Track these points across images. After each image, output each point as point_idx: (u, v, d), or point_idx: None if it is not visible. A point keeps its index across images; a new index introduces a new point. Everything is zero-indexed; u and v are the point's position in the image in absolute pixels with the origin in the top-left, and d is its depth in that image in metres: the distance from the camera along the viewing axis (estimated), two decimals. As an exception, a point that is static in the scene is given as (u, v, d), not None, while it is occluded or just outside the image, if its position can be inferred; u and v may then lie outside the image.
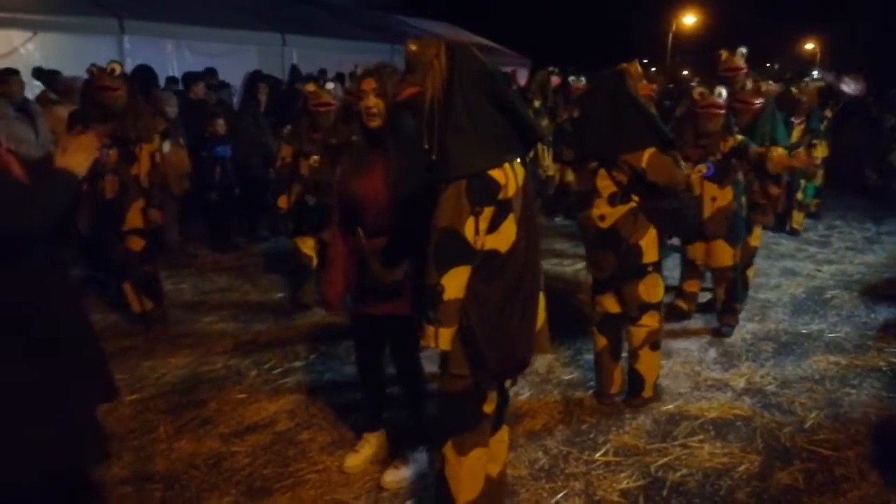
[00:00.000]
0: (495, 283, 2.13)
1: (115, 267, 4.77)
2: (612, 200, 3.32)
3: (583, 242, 3.60)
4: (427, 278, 2.11)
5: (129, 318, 4.77)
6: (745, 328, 4.76)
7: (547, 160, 8.06)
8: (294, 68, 9.87)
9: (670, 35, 26.40)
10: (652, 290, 3.46)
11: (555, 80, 8.62)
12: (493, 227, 2.10)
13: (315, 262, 5.02)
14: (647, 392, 3.61)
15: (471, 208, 2.04)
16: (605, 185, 3.32)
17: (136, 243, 4.43)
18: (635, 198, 3.30)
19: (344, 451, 3.15)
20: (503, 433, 2.49)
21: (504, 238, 2.12)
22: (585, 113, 3.61)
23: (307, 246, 5.01)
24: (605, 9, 29.22)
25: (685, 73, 14.79)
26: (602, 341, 3.61)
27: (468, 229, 2.04)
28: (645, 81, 3.44)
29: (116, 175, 4.28)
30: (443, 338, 2.12)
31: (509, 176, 2.10)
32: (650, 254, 3.39)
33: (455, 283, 2.07)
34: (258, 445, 3.24)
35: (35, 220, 2.01)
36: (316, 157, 4.71)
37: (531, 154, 2.81)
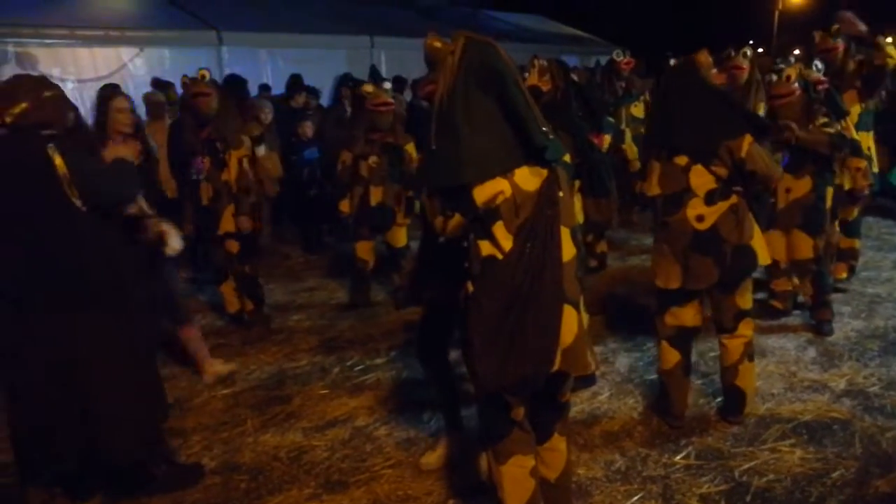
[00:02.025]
0: (496, 292, 2.05)
1: (214, 269, 4.97)
2: (711, 198, 3.02)
3: (671, 251, 3.15)
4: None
5: (225, 318, 5.02)
6: (850, 325, 4.45)
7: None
8: (374, 69, 10.05)
9: (776, 13, 24.89)
10: (747, 294, 3.21)
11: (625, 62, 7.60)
12: (484, 233, 2.05)
13: (371, 265, 5.10)
14: (749, 407, 3.36)
15: (441, 210, 2.09)
16: (701, 182, 3.02)
17: (233, 246, 4.64)
18: (737, 191, 3.05)
19: (418, 448, 3.20)
20: (556, 442, 2.39)
21: (496, 245, 2.05)
22: (663, 108, 3.25)
23: (363, 251, 5.09)
24: (703, -9, 27.98)
25: (795, 52, 13.93)
26: (675, 357, 3.29)
27: (437, 223, 2.16)
28: (715, 70, 3.23)
29: (209, 182, 4.49)
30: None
31: (501, 187, 2.01)
32: (763, 255, 3.15)
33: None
34: (337, 440, 3.34)
35: (112, 193, 2.67)
36: (374, 158, 4.75)
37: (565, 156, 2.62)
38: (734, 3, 27.54)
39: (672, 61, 7.64)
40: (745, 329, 3.25)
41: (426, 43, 2.09)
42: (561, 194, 2.11)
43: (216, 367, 4.09)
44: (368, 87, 4.87)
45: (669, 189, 3.13)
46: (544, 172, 2.08)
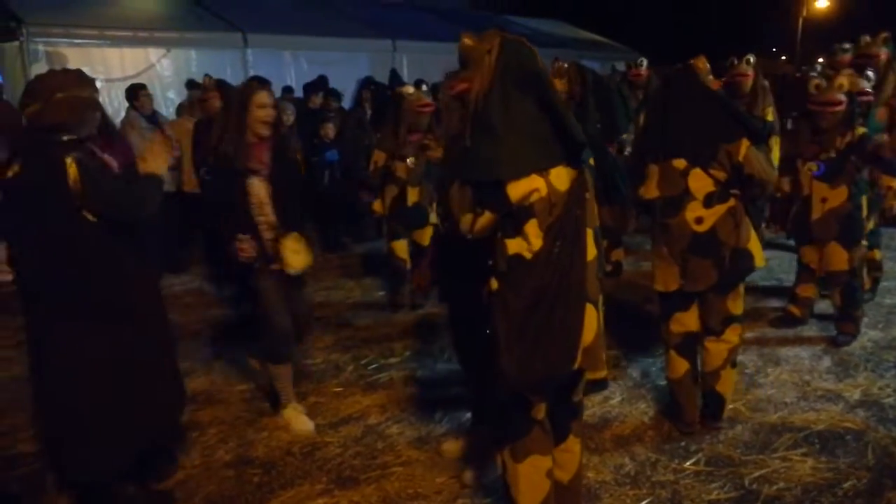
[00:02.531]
0: (522, 291, 2.08)
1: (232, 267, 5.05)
2: (710, 201, 3.04)
3: (669, 253, 3.17)
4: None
5: (241, 315, 5.09)
6: (867, 335, 4.42)
7: None
8: (394, 73, 10.13)
9: (801, 20, 24.66)
10: (738, 300, 3.22)
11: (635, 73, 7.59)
12: (515, 231, 2.07)
13: (409, 264, 5.13)
14: (725, 413, 3.37)
15: (471, 207, 2.09)
16: (700, 185, 3.04)
17: None
18: (735, 194, 3.08)
19: (430, 446, 3.24)
20: (571, 443, 2.42)
21: (527, 243, 2.07)
22: (661, 112, 3.23)
23: (401, 249, 5.13)
24: (726, -3, 27.77)
25: (820, 61, 13.80)
26: (683, 366, 3.28)
27: (464, 222, 2.15)
28: (712, 77, 3.22)
29: None
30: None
31: (536, 185, 2.04)
32: (759, 257, 3.16)
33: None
34: (350, 437, 3.39)
35: (131, 207, 2.51)
36: (412, 159, 4.81)
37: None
38: (758, 10, 27.32)
39: (640, 61, 7.69)
40: (732, 335, 3.25)
41: (461, 41, 2.11)
42: (588, 195, 2.16)
43: (299, 418, 3.50)
44: (409, 89, 4.96)
45: (668, 192, 3.14)
46: (574, 173, 2.12)
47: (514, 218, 2.08)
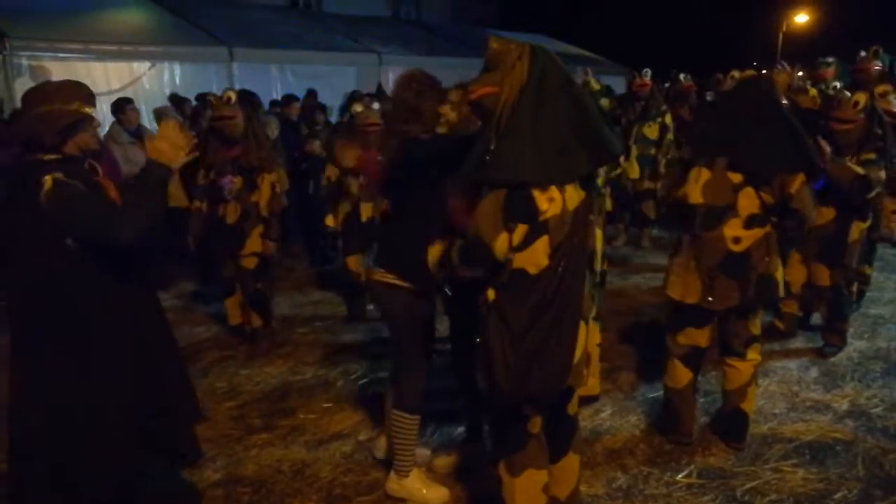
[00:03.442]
0: (523, 305, 2.07)
1: (222, 284, 4.91)
2: (751, 222, 2.96)
3: (696, 267, 3.07)
4: (447, 259, 2.23)
5: (229, 331, 5.05)
6: (853, 346, 4.46)
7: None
8: (379, 87, 10.17)
9: (780, 34, 25.04)
10: (758, 320, 3.21)
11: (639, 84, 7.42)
12: (525, 245, 2.05)
13: (364, 277, 4.99)
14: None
15: (504, 224, 2.02)
16: (747, 204, 2.95)
17: (251, 262, 4.56)
18: (773, 221, 3.01)
19: (422, 462, 3.21)
20: (569, 460, 2.42)
21: (534, 259, 2.07)
22: (733, 119, 3.01)
23: (355, 264, 5.07)
24: (706, 12, 28.14)
25: (799, 74, 14.01)
26: (687, 376, 3.28)
27: (500, 244, 2.04)
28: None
29: (239, 202, 4.44)
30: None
31: (555, 198, 2.04)
32: (782, 288, 3.13)
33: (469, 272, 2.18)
34: (341, 453, 3.36)
35: (123, 233, 2.19)
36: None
37: (604, 172, 2.58)
38: (739, 24, 27.72)
39: (682, 76, 7.78)
40: (755, 353, 3.23)
41: (490, 45, 2.07)
42: (591, 217, 2.18)
43: (432, 488, 2.95)
44: (358, 107, 4.82)
45: (714, 201, 3.01)
46: (583, 194, 2.12)
47: (531, 232, 2.06)
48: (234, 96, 4.44)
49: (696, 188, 3.05)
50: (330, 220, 5.06)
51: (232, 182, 4.38)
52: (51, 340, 2.30)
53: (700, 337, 3.22)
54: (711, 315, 3.17)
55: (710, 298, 3.06)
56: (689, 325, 3.21)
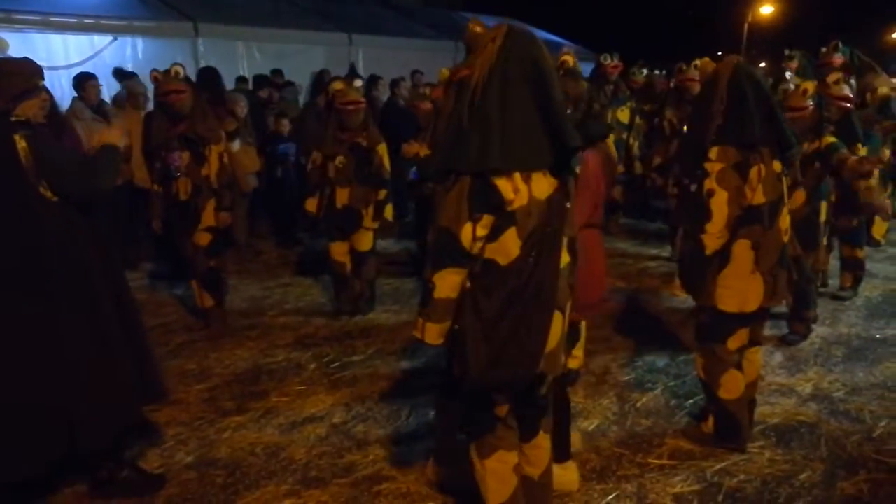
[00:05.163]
0: (495, 295, 2.05)
1: (185, 264, 4.84)
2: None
3: (760, 271, 2.89)
4: (424, 271, 2.16)
5: (196, 313, 4.96)
6: (815, 332, 4.58)
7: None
8: (352, 67, 10.03)
9: (746, 25, 25.40)
10: None
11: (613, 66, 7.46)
12: (493, 236, 2.03)
13: (348, 267, 4.93)
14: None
15: (469, 213, 1.99)
16: (787, 191, 2.91)
17: (204, 238, 4.50)
18: None
19: (398, 447, 3.21)
20: (540, 440, 2.42)
21: (504, 250, 2.03)
22: (769, 106, 2.87)
23: (338, 252, 4.89)
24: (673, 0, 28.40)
25: (762, 65, 14.27)
26: (743, 381, 3.11)
27: (465, 234, 2.01)
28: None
29: (189, 177, 4.39)
30: (429, 332, 2.11)
31: (520, 188, 2.00)
32: None
33: (446, 283, 2.05)
34: (315, 436, 3.34)
35: (88, 178, 2.54)
36: (341, 158, 4.61)
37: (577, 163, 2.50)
38: (704, 14, 28.04)
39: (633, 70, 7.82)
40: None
41: (468, 27, 2.05)
42: (568, 205, 2.13)
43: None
44: (338, 85, 4.71)
45: (772, 196, 2.86)
46: (555, 182, 2.09)
47: (498, 223, 2.03)
48: (181, 71, 4.39)
49: (758, 188, 2.84)
50: (311, 205, 4.87)
51: (180, 158, 4.34)
52: (18, 297, 2.43)
53: (746, 334, 3.08)
54: (768, 312, 3.11)
55: (774, 297, 2.95)
56: (740, 327, 3.03)
